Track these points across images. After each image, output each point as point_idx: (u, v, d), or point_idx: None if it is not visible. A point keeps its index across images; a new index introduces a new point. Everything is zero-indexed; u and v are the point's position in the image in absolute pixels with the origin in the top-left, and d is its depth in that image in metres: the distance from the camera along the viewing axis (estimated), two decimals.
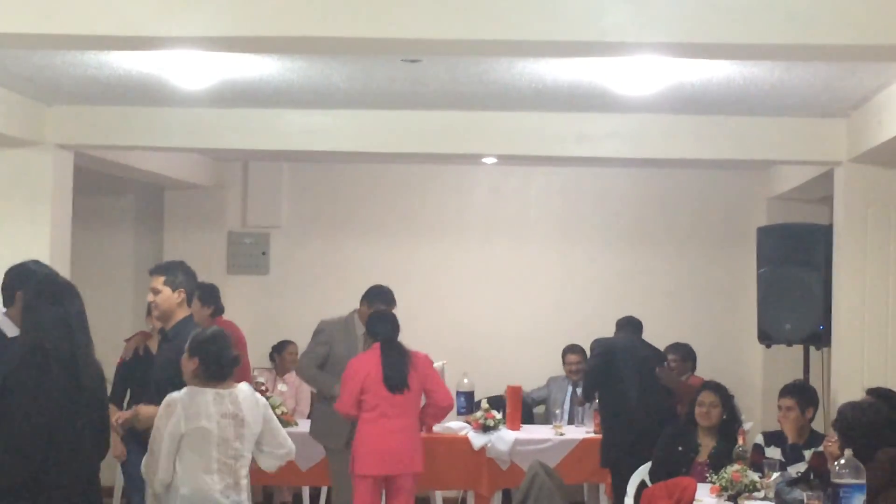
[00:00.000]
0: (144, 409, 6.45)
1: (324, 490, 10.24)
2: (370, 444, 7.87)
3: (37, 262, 5.82)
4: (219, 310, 8.55)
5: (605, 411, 9.15)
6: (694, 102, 8.02)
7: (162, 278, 6.71)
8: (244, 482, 5.95)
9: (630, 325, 9.49)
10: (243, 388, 5.95)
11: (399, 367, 7.89)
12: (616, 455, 8.85)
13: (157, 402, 6.41)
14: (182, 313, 6.75)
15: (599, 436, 9.33)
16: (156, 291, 6.69)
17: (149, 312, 7.97)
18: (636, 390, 8.91)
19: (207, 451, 5.75)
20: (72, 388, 5.00)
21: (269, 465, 6.14)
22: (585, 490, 10.13)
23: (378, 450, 7.86)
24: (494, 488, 9.42)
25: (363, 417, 7.88)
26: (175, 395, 5.80)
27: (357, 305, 8.62)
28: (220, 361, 5.88)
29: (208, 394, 5.79)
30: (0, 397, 4.88)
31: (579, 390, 10.35)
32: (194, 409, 5.73)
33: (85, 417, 5.12)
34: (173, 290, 6.70)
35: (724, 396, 7.86)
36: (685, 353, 10.27)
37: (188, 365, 5.89)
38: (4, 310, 5.82)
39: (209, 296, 8.41)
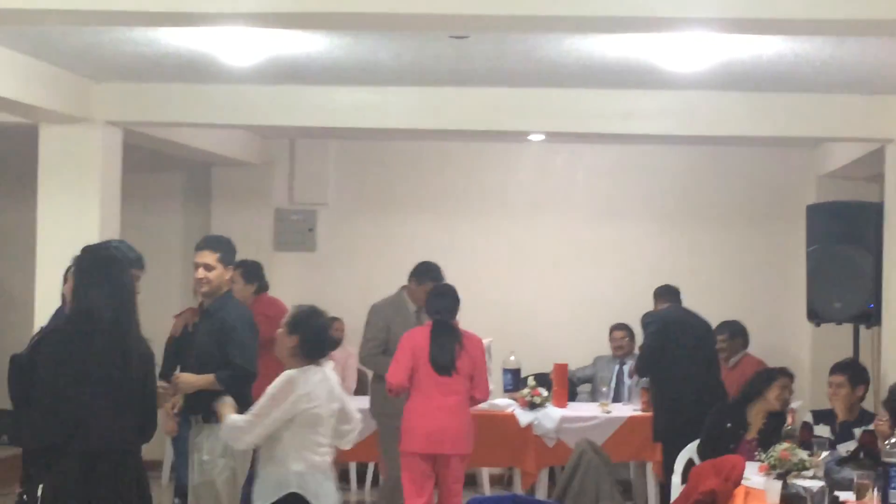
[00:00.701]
0: (185, 377, 6.48)
1: (370, 466, 10.28)
2: (417, 421, 7.86)
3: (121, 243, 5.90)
4: (263, 287, 8.56)
5: (660, 386, 9.02)
6: (744, 79, 7.95)
7: (216, 254, 6.67)
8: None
9: (671, 295, 9.42)
10: (329, 364, 5.96)
11: (448, 349, 7.83)
12: (670, 431, 8.73)
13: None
14: (225, 289, 6.76)
15: (647, 414, 9.30)
16: (209, 267, 6.65)
17: (195, 288, 8.03)
18: (692, 365, 8.82)
19: (318, 429, 5.77)
20: (117, 360, 5.02)
21: (343, 443, 6.17)
22: (632, 468, 10.10)
23: (424, 428, 7.84)
24: (540, 465, 9.41)
25: (412, 394, 7.89)
26: (293, 373, 5.76)
27: (403, 282, 8.62)
28: (320, 339, 5.87)
29: (317, 373, 5.79)
30: (34, 354, 4.91)
31: (626, 367, 10.33)
32: (311, 389, 5.73)
33: (130, 390, 5.14)
34: (225, 267, 6.70)
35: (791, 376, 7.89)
36: (734, 331, 10.20)
37: (286, 342, 5.84)
38: None
39: (253, 273, 8.42)
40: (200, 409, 6.53)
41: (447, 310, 7.93)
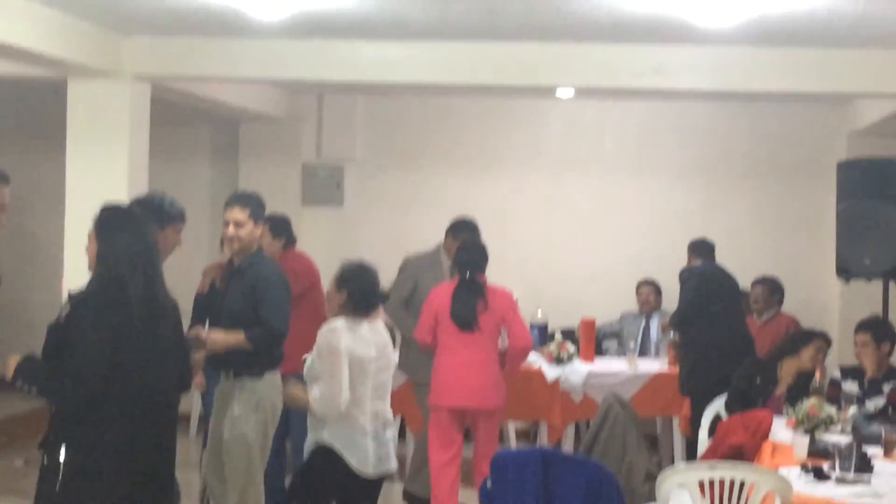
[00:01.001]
0: (215, 334, 6.49)
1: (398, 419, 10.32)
2: (442, 376, 7.89)
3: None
4: (290, 241, 8.55)
5: (693, 340, 8.96)
6: (775, 34, 7.89)
7: (246, 210, 6.61)
8: (390, 416, 6.01)
9: (707, 250, 9.39)
10: (380, 321, 5.98)
11: (469, 304, 7.82)
12: (700, 385, 8.69)
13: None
14: (255, 245, 6.75)
15: (674, 369, 9.31)
16: (239, 224, 6.59)
17: (222, 244, 8.02)
18: (725, 320, 8.78)
19: (364, 379, 5.79)
20: (148, 318, 5.04)
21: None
22: (659, 423, 10.11)
23: (450, 382, 7.87)
24: (567, 421, 9.43)
25: (438, 349, 7.91)
26: (335, 322, 5.80)
27: (429, 237, 8.63)
28: (369, 295, 5.89)
29: (363, 324, 5.82)
30: (68, 322, 4.92)
31: (653, 322, 10.34)
32: (355, 338, 5.75)
33: (164, 347, 5.16)
34: (255, 224, 6.68)
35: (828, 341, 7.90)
36: (773, 287, 10.19)
37: (335, 297, 5.90)
38: None
39: (281, 228, 8.41)
40: (232, 364, 6.55)
41: (473, 265, 7.92)
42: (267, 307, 6.54)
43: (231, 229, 6.63)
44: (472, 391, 7.85)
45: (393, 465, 6.11)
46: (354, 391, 5.77)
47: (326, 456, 5.74)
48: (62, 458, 4.89)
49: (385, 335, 5.94)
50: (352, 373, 5.74)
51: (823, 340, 7.89)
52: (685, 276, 9.12)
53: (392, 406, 8.75)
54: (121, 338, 4.90)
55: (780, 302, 10.23)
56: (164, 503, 5.25)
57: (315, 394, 5.78)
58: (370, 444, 5.84)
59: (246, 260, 6.67)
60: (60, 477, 4.88)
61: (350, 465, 5.76)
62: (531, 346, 8.21)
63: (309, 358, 5.90)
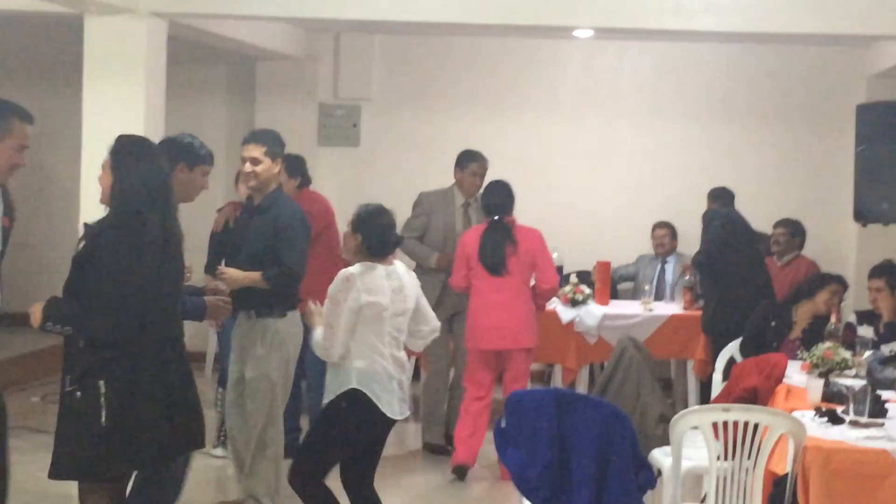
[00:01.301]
0: (231, 272, 6.50)
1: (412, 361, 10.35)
2: (476, 319, 8.01)
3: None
4: (306, 181, 8.55)
5: (716, 281, 8.97)
6: None
7: (263, 148, 6.62)
8: (406, 360, 6.04)
9: (727, 197, 9.38)
10: (400, 265, 5.97)
11: (498, 249, 7.93)
12: (721, 325, 8.69)
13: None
14: (275, 184, 6.74)
15: (688, 312, 9.34)
16: (255, 161, 6.61)
17: (237, 181, 8.02)
18: (747, 263, 8.79)
19: (381, 325, 5.79)
20: (163, 250, 5.06)
21: (416, 344, 6.23)
22: (673, 366, 10.14)
23: (484, 325, 7.97)
24: (582, 362, 9.45)
25: (472, 293, 8.00)
26: (351, 269, 5.79)
27: (445, 178, 8.64)
28: (384, 238, 5.88)
29: (379, 269, 5.81)
30: (93, 257, 4.94)
31: (668, 265, 10.33)
32: (370, 284, 5.74)
33: (178, 278, 5.20)
34: (272, 161, 6.67)
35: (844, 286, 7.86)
36: (795, 230, 10.17)
37: (351, 240, 5.88)
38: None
39: (296, 167, 8.40)
40: (254, 304, 6.57)
41: (501, 206, 8.00)
42: (285, 247, 6.55)
43: (247, 166, 6.63)
44: (504, 332, 7.99)
45: (409, 408, 6.14)
46: (370, 338, 5.78)
47: (355, 399, 5.75)
48: (102, 392, 4.92)
49: (400, 279, 5.90)
50: (368, 321, 5.75)
51: (839, 284, 7.89)
52: (708, 218, 9.13)
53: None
54: (146, 270, 4.93)
55: (801, 245, 10.22)
56: (198, 429, 5.32)
57: (317, 334, 5.81)
58: (396, 389, 5.86)
59: (266, 199, 6.67)
60: (104, 411, 4.91)
61: (381, 408, 5.78)
62: (558, 288, 8.31)
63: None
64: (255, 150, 6.61)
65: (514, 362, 8.02)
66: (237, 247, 6.78)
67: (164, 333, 5.08)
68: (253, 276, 6.49)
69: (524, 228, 8.04)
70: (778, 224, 10.10)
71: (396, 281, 5.87)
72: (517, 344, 8.01)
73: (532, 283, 8.15)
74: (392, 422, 5.91)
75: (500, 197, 8.05)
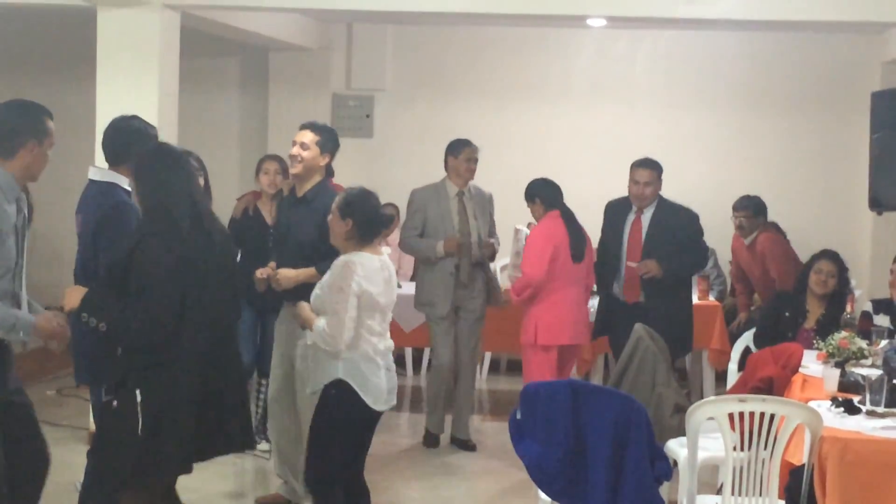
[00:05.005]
0: (284, 273, 6.50)
1: (426, 352, 10.34)
2: (559, 313, 8.00)
3: (139, 119, 5.86)
4: (329, 173, 8.57)
5: None
6: None
7: (316, 137, 6.69)
8: (391, 346, 6.01)
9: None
10: (385, 257, 5.92)
11: (581, 235, 8.10)
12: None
13: (298, 266, 6.50)
14: (319, 177, 6.74)
15: (703, 302, 9.32)
16: (305, 146, 6.66)
17: (258, 172, 8.06)
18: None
19: (374, 315, 5.74)
20: (203, 250, 5.05)
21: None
22: (688, 356, 10.11)
23: (566, 320, 7.99)
24: (596, 352, 9.42)
25: (551, 287, 7.96)
26: (351, 256, 5.70)
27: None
28: (374, 221, 5.81)
29: (374, 259, 5.75)
30: (131, 262, 4.93)
31: None
32: (368, 273, 5.69)
33: (218, 278, 5.16)
34: (321, 153, 6.69)
35: (840, 266, 7.76)
36: (758, 208, 9.88)
37: (340, 226, 5.75)
38: (105, 167, 5.88)
39: None
40: (301, 296, 6.54)
41: (561, 196, 8.16)
42: None
43: (296, 149, 6.69)
44: (580, 327, 8.11)
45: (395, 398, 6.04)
46: (364, 326, 5.71)
47: (341, 390, 5.69)
48: (139, 401, 4.91)
49: (389, 271, 5.86)
50: (363, 309, 5.68)
51: (821, 259, 7.80)
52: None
53: (423, 339, 8.79)
54: (187, 275, 4.92)
55: (765, 219, 9.97)
56: (240, 432, 5.32)
57: (319, 325, 5.69)
58: (383, 379, 5.78)
59: (311, 190, 6.69)
60: (141, 420, 4.90)
61: (365, 400, 5.71)
62: (593, 281, 8.34)
63: (317, 287, 5.82)
64: (307, 136, 6.70)
65: (570, 357, 8.05)
66: (282, 238, 6.80)
67: (206, 338, 5.06)
68: (308, 272, 6.48)
69: None
70: (737, 207, 9.87)
71: (387, 272, 5.83)
72: (586, 339, 8.18)
73: None
74: (378, 413, 5.85)
75: (557, 189, 8.17)
